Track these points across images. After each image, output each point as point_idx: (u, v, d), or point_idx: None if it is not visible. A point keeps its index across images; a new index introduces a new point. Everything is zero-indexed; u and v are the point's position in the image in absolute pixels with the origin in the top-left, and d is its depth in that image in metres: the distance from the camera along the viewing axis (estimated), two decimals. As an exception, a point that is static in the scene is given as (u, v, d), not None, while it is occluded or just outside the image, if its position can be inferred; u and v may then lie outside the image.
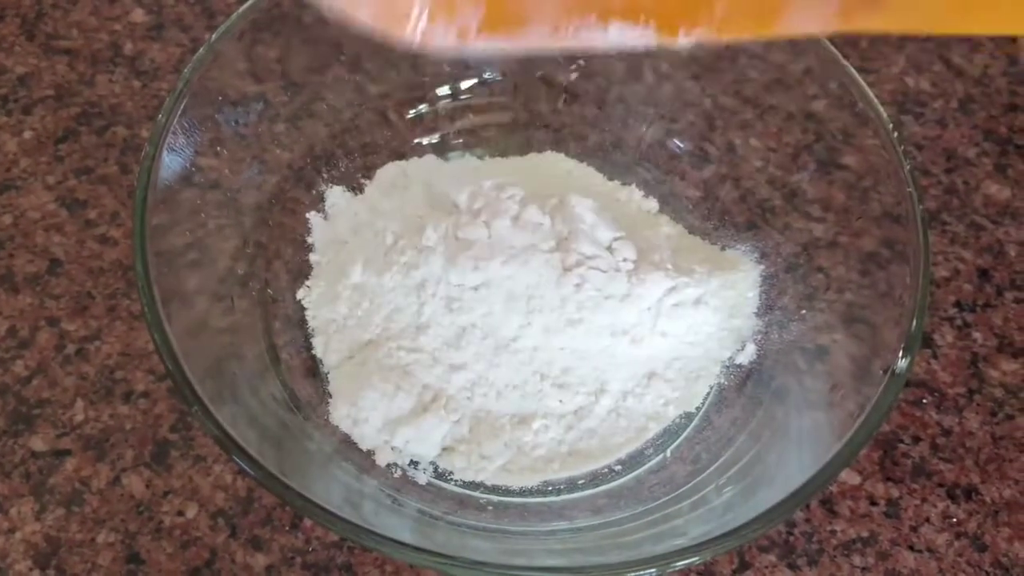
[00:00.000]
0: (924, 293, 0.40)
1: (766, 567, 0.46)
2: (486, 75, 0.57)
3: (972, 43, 0.65)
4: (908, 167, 0.44)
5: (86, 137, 0.57)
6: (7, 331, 0.50)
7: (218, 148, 0.49)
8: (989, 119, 0.61)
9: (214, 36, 0.47)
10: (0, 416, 0.48)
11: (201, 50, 0.47)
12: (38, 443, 0.47)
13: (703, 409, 0.47)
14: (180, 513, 0.46)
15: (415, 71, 0.56)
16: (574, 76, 0.58)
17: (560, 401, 0.46)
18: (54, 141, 0.57)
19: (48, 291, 0.52)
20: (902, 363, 0.39)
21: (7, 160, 0.56)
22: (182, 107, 0.45)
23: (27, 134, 0.57)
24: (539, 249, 0.46)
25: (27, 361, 0.50)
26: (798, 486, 0.36)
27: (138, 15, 0.62)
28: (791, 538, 0.47)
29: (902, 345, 0.39)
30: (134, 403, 0.49)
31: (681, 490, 0.43)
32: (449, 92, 0.56)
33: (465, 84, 0.56)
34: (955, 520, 0.48)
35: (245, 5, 0.49)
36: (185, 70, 0.46)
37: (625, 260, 0.47)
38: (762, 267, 0.51)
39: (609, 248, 0.47)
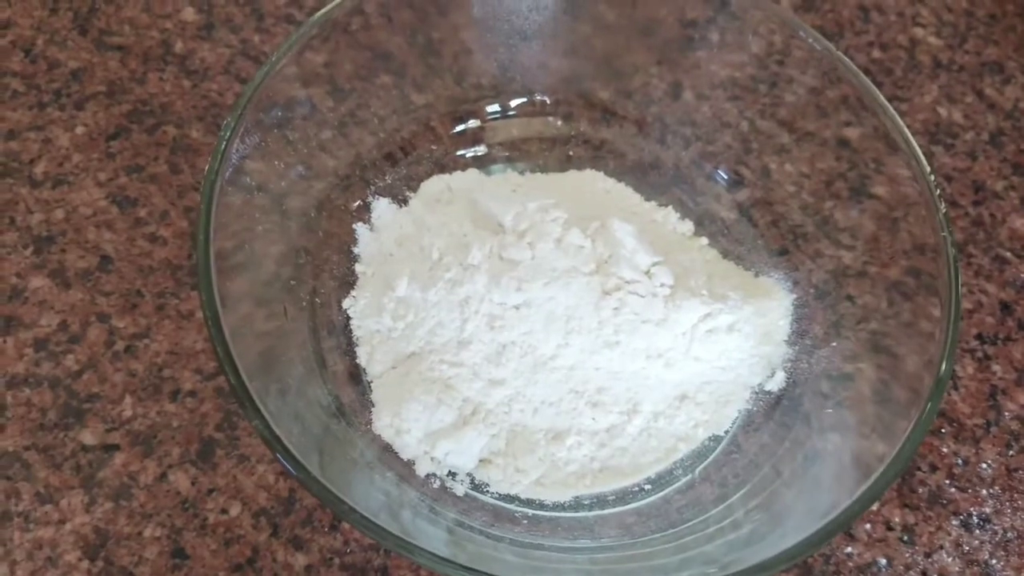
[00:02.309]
0: (953, 341, 0.42)
1: (785, 587, 0.48)
2: (537, 96, 0.58)
3: (1005, 75, 0.66)
4: (944, 211, 0.45)
5: (137, 135, 0.58)
6: (59, 325, 0.52)
7: (265, 151, 0.50)
8: (1018, 153, 0.63)
9: (284, 48, 0.48)
10: (52, 409, 0.50)
11: (270, 61, 0.48)
12: (88, 437, 0.49)
13: (731, 432, 0.49)
14: (224, 511, 0.48)
15: (460, 84, 0.58)
16: (614, 94, 0.59)
17: (593, 419, 0.48)
18: (106, 138, 0.58)
19: (99, 287, 0.53)
20: (930, 407, 0.40)
21: (60, 155, 0.57)
22: (243, 119, 0.46)
23: (79, 129, 0.58)
24: (580, 272, 0.48)
25: (78, 355, 0.51)
26: (822, 524, 0.38)
27: (189, 14, 0.63)
28: (808, 558, 0.49)
29: (930, 391, 0.41)
30: (181, 401, 0.50)
31: (708, 514, 0.45)
32: (499, 109, 0.57)
33: (515, 102, 0.58)
34: (967, 549, 0.49)
35: (317, 15, 0.50)
36: (249, 86, 0.47)
37: (662, 285, 0.48)
38: (794, 295, 0.52)
39: (648, 273, 0.49)
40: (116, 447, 0.49)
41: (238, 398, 0.39)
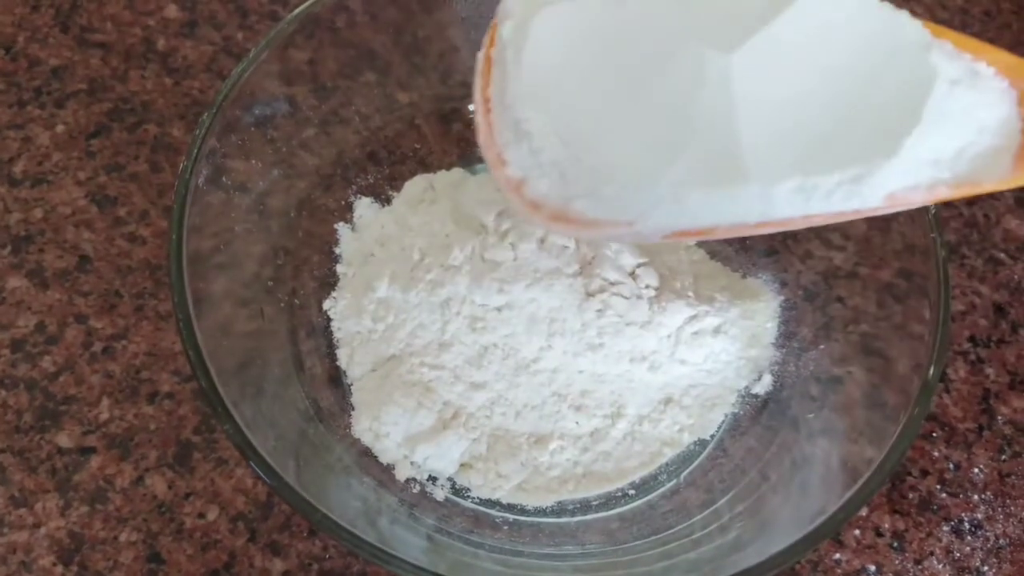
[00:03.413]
0: (942, 344, 0.41)
1: (771, 594, 0.47)
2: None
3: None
4: (934, 211, 0.44)
5: (118, 133, 0.57)
6: (36, 326, 0.51)
7: (246, 150, 0.49)
8: (1013, 152, 0.62)
9: (262, 46, 0.47)
10: (27, 411, 0.49)
11: (248, 57, 0.47)
12: (64, 439, 0.48)
13: (717, 436, 0.48)
14: (201, 515, 0.47)
15: (445, 83, 0.57)
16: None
17: (577, 423, 0.47)
18: (86, 136, 0.57)
19: (77, 288, 0.52)
20: (918, 411, 0.39)
21: (39, 154, 0.56)
22: (218, 118, 0.45)
23: (59, 128, 0.57)
24: (563, 273, 0.47)
25: (55, 357, 0.50)
26: (810, 530, 0.37)
27: (172, 11, 0.62)
28: (796, 565, 0.48)
29: (917, 395, 0.40)
30: (159, 404, 0.49)
31: (693, 520, 0.44)
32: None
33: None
34: (958, 555, 0.48)
35: (297, 10, 0.49)
36: (226, 84, 0.46)
37: (647, 287, 0.47)
38: (782, 297, 0.51)
39: (632, 274, 0.48)
40: (92, 450, 0.48)
41: (210, 402, 0.38)
